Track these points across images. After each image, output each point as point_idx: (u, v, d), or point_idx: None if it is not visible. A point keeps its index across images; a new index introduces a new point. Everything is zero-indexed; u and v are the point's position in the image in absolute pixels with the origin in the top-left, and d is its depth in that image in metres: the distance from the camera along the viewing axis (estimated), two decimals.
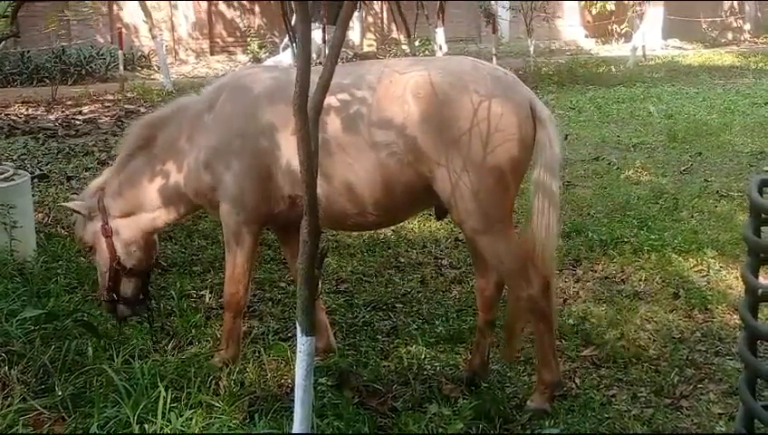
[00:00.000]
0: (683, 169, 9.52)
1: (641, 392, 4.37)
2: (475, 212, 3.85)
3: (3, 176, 6.25)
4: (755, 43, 29.06)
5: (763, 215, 2.22)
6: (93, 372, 4.18)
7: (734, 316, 5.28)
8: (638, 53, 21.90)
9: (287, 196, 4.17)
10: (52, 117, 13.88)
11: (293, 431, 2.43)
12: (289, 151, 4.04)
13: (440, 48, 19.29)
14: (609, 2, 24.14)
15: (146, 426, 3.61)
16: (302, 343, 2.38)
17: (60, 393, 3.96)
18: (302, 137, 2.18)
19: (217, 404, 3.90)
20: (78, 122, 13.25)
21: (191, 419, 3.68)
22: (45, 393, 4.04)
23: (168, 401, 3.73)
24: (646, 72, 19.47)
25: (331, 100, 3.81)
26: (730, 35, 30.06)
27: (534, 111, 3.90)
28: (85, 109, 14.80)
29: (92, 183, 4.78)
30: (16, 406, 3.82)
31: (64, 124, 13.04)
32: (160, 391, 3.74)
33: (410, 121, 3.84)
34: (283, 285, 5.92)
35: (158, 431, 3.57)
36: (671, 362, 4.68)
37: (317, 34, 19.43)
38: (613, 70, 20.06)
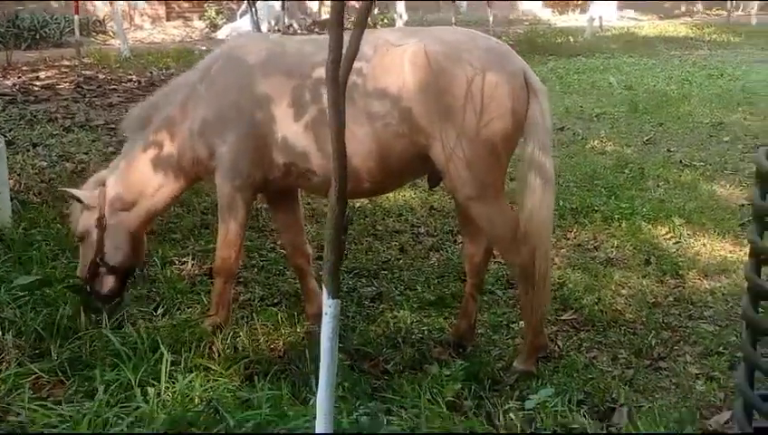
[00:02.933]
0: (646, 139, 9.73)
1: (621, 354, 4.53)
2: (469, 180, 3.92)
3: None
4: (708, 14, 29.59)
5: None
6: (86, 337, 4.22)
7: (705, 281, 5.49)
8: (594, 23, 22.15)
9: (281, 164, 4.22)
10: (8, 82, 13.60)
11: (319, 392, 2.52)
12: (284, 122, 4.10)
13: (400, 17, 19.34)
14: None
15: (148, 389, 3.66)
16: (329, 305, 2.46)
17: (56, 358, 4.00)
18: (333, 106, 2.24)
19: (214, 368, 3.98)
20: (36, 88, 13.00)
21: (192, 381, 3.73)
22: (41, 358, 4.05)
23: (168, 363, 3.79)
24: (604, 43, 19.72)
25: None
26: (683, 7, 30.54)
27: (528, 83, 3.97)
28: (42, 74, 14.52)
29: (95, 175, 4.74)
30: (14, 370, 3.85)
31: (22, 90, 12.78)
32: (162, 354, 3.79)
33: (406, 91, 3.88)
34: (264, 252, 5.96)
35: (161, 393, 3.63)
36: (647, 325, 4.86)
37: (276, 3, 19.32)
38: (571, 40, 20.28)
